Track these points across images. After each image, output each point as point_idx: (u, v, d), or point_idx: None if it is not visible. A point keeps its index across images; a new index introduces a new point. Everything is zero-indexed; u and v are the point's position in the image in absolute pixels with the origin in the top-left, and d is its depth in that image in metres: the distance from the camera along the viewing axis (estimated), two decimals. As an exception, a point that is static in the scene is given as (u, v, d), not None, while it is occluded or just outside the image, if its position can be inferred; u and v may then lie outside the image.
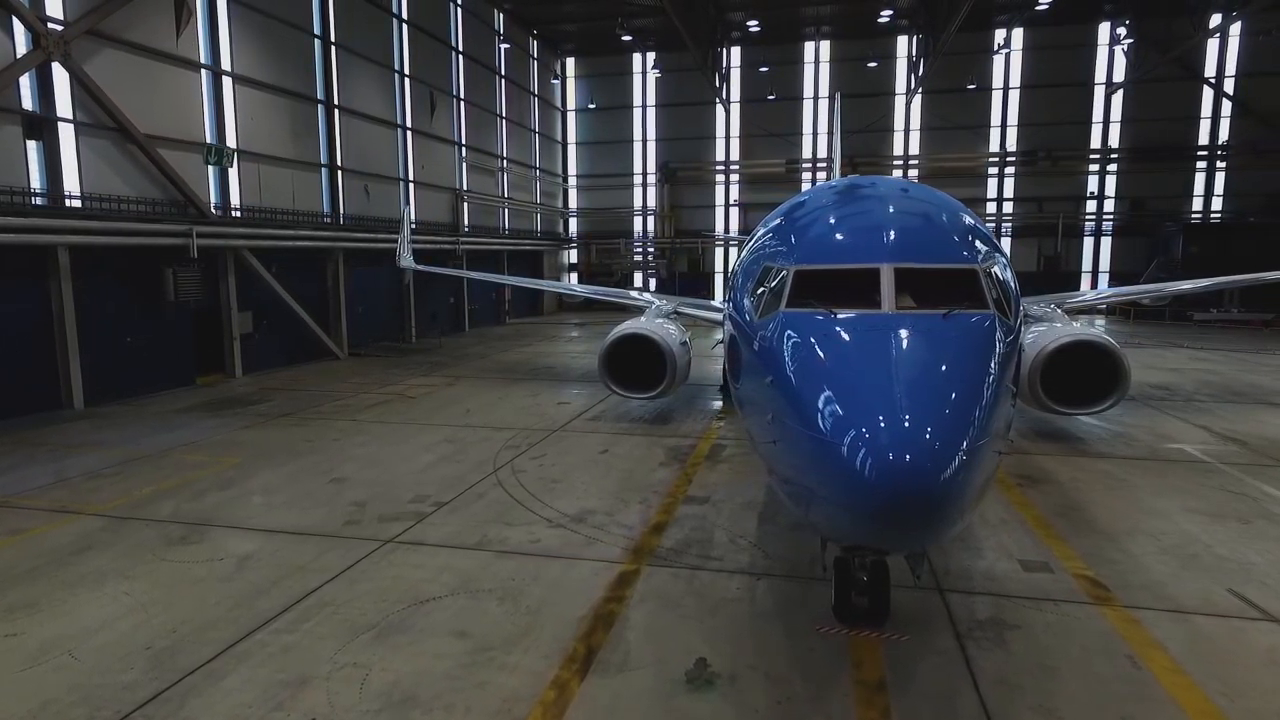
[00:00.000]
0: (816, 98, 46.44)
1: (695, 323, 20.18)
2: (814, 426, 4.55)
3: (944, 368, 4.75)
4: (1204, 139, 42.06)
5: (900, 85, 45.14)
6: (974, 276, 5.54)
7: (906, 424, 4.27)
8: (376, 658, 6.35)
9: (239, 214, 21.94)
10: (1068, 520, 9.53)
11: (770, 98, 45.85)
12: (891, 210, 6.44)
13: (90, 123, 17.49)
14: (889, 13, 38.17)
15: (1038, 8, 37.08)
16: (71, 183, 17.22)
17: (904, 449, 4.18)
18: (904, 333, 4.91)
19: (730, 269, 10.35)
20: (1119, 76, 42.20)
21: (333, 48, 26.02)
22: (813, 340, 5.10)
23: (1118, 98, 42.72)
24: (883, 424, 4.29)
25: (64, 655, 6.45)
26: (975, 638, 6.61)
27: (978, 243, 6.00)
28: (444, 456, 12.95)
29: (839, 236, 6.21)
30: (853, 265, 5.55)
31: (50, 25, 16.41)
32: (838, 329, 5.07)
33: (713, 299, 43.13)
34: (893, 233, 5.88)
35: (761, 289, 6.20)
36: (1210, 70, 41.28)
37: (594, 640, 6.64)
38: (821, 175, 46.59)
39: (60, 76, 16.96)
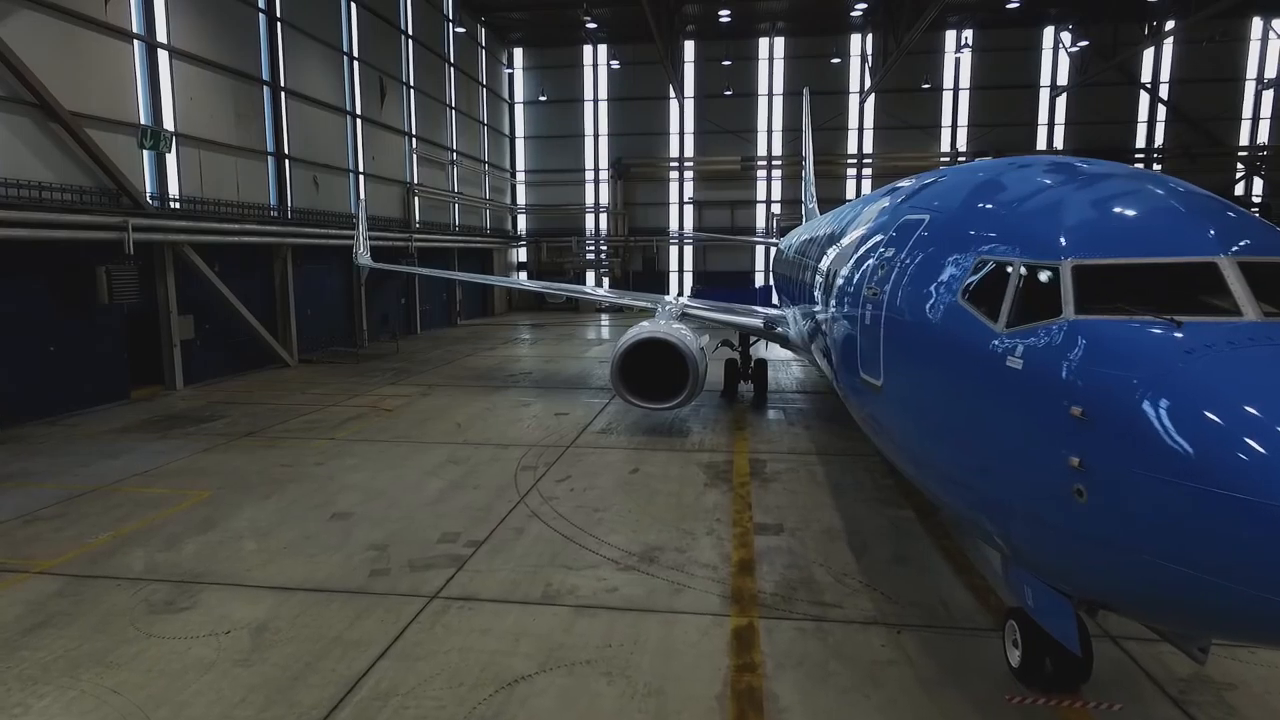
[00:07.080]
0: (771, 94, 45.90)
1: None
2: (1215, 480, 3.33)
3: None
4: (1140, 142, 43.60)
5: (854, 84, 45.07)
6: None
7: None
8: (485, 775, 4.86)
9: (178, 205, 19.45)
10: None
11: (727, 93, 45.03)
12: (1163, 191, 5.10)
13: (4, 96, 14.90)
14: (863, 6, 37.88)
15: (1008, 6, 37.47)
16: (-19, 166, 14.66)
17: None
18: None
19: (844, 259, 9.01)
20: (1063, 80, 43.24)
21: (278, 24, 23.59)
22: (1164, 361, 3.84)
23: (1062, 100, 43.78)
24: None
25: (45, 795, 4.71)
26: (1196, 702, 5.60)
27: None
28: (455, 482, 11.29)
29: (1126, 222, 4.87)
30: (1172, 259, 4.30)
31: (-47, -21, 13.88)
32: (1202, 345, 3.79)
33: (668, 295, 42.18)
34: (1201, 217, 4.61)
35: (989, 288, 4.91)
36: (1147, 76, 42.77)
37: (751, 731, 5.32)
38: (778, 173, 46.14)
39: (-34, 40, 14.37)
